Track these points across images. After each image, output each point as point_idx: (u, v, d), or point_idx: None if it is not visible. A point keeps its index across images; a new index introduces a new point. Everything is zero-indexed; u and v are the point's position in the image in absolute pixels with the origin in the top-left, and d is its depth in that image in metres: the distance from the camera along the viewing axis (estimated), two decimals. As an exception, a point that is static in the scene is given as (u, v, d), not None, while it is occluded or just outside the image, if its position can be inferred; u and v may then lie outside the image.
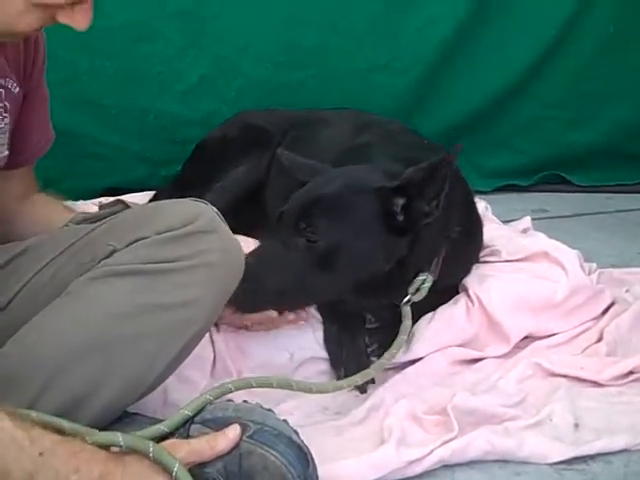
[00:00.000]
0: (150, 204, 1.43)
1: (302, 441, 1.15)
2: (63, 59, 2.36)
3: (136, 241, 1.25)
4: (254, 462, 1.10)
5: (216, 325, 1.61)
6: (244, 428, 1.13)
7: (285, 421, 1.18)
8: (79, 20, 1.22)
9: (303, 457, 1.13)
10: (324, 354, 1.65)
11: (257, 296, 1.50)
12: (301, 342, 1.63)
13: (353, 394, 1.58)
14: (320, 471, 1.25)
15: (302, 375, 1.63)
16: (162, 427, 1.15)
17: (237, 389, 1.27)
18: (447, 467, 1.36)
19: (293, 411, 1.49)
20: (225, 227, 1.31)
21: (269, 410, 1.19)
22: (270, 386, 1.35)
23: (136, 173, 2.70)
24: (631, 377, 1.64)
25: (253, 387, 1.31)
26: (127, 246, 1.26)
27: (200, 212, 1.28)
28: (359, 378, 1.49)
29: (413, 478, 1.33)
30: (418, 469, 1.33)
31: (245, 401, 1.22)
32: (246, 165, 2.21)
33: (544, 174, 3.01)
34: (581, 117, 3.03)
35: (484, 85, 2.92)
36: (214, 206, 1.32)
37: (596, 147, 3.03)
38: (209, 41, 2.67)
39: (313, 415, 1.49)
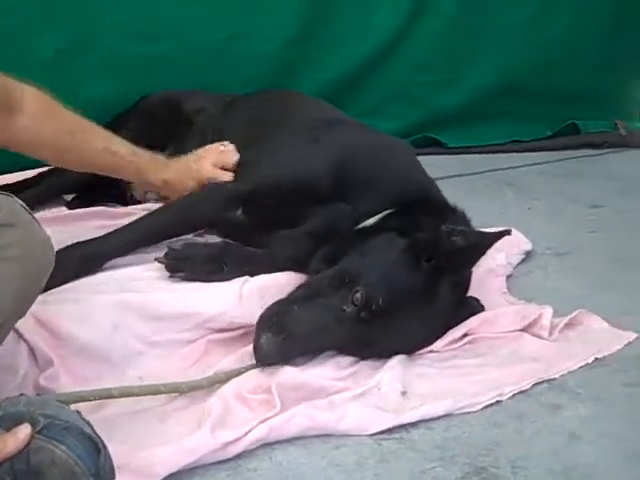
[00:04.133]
0: None
1: (94, 432, 1.12)
2: None
3: None
4: (42, 458, 1.07)
5: None
6: (34, 424, 1.10)
7: (78, 412, 1.14)
8: None
9: (94, 449, 1.10)
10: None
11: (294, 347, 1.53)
12: (122, 312, 1.57)
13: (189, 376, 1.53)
14: (133, 460, 1.24)
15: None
16: None
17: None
18: (267, 446, 1.34)
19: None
20: (29, 219, 1.26)
21: (62, 403, 1.16)
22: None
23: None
24: (465, 340, 1.65)
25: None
26: None
27: None
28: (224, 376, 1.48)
29: (230, 460, 1.30)
30: (236, 450, 1.30)
31: (39, 394, 1.18)
32: None
33: (416, 137, 3.00)
34: (448, 79, 3.05)
35: (351, 52, 2.92)
36: None
37: (465, 108, 3.06)
38: (65, 15, 2.57)
39: (142, 401, 1.45)
